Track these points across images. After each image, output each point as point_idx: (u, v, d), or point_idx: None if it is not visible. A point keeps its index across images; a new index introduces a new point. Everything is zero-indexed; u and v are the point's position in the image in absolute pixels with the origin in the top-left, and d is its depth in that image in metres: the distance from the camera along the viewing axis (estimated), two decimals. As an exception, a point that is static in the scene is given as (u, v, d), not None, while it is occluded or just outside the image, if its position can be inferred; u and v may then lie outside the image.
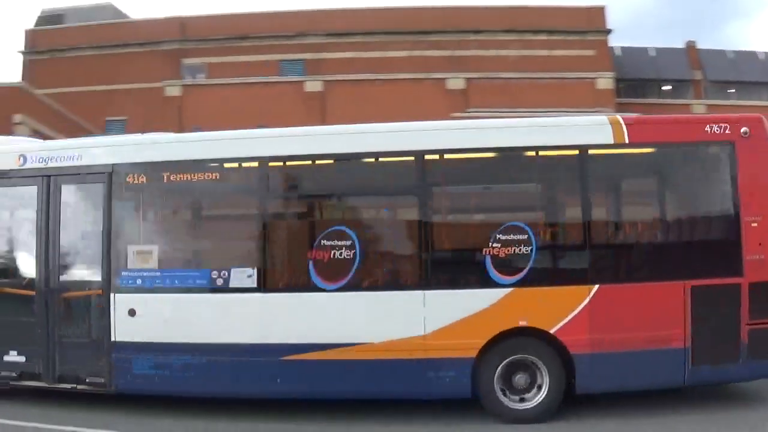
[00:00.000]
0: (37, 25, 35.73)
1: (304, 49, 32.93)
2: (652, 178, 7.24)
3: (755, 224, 6.52)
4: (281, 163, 7.09)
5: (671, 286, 6.47)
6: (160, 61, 32.58)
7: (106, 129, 29.61)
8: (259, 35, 32.58)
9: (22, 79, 30.86)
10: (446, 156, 6.87)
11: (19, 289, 7.31)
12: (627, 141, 6.73)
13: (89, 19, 33.79)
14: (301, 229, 7.28)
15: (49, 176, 7.28)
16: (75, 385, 7.12)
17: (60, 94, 29.41)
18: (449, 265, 6.93)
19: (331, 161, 7.15)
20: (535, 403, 6.54)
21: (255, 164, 7.05)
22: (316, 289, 6.70)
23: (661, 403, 6.92)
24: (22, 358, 7.22)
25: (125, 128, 28.67)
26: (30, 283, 7.28)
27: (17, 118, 21.26)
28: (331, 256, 6.71)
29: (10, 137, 9.26)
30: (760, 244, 6.46)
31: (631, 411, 6.71)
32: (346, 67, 32.03)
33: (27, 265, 7.40)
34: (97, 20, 33.75)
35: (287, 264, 7.17)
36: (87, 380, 7.06)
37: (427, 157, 6.81)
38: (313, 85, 32.47)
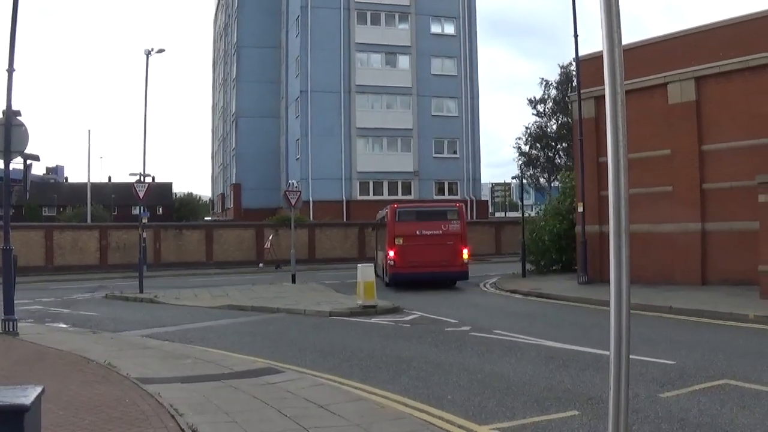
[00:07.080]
0: None
1: None
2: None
3: (399, 240, 26.59)
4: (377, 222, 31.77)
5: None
6: None
7: None
8: None
9: None
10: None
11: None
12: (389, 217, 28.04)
13: None
14: (379, 235, 31.40)
15: (378, 220, 33.80)
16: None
17: None
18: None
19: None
20: (388, 277, 28.62)
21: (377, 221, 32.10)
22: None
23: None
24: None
25: None
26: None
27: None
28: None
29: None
30: (395, 241, 26.52)
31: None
32: None
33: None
34: None
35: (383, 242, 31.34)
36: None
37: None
38: None
